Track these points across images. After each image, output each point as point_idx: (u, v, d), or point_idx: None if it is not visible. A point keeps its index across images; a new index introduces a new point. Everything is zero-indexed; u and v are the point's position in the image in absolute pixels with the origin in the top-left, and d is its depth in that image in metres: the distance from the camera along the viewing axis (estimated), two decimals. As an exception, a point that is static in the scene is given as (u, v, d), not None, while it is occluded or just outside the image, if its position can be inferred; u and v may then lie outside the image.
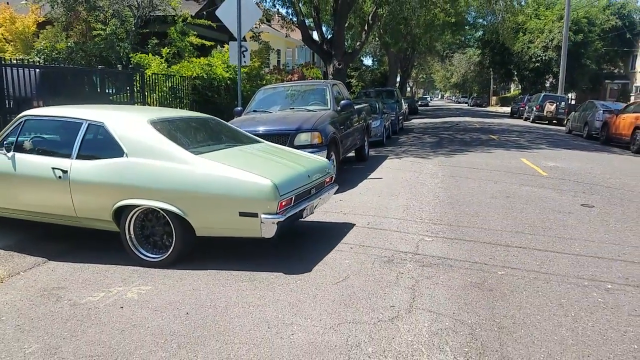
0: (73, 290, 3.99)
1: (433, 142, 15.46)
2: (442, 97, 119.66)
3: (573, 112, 21.81)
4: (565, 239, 5.11)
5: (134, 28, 15.13)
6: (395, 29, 24.51)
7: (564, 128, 22.23)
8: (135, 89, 11.48)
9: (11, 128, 5.01)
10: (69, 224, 4.90)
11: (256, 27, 21.41)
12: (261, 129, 7.30)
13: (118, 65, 12.84)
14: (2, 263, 4.61)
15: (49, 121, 5.15)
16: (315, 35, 21.35)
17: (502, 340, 3.03)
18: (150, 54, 13.49)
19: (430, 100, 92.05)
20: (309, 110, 8.32)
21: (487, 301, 3.59)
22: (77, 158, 4.63)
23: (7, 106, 7.82)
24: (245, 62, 10.66)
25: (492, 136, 17.62)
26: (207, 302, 3.69)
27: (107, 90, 10.61)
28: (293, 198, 4.42)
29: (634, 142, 14.15)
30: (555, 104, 26.72)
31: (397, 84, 45.44)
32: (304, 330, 3.19)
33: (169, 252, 4.46)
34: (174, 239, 4.41)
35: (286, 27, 23.41)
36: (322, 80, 11.48)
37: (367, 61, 46.22)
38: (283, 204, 4.22)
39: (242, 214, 4.17)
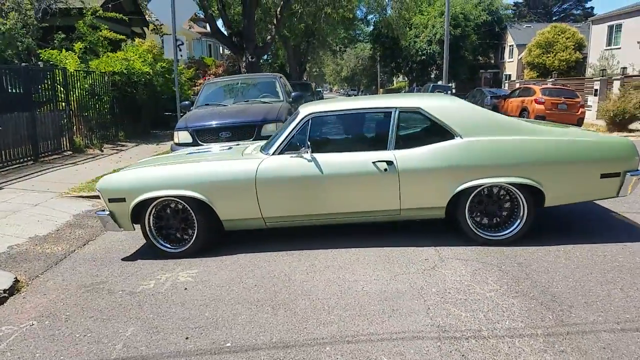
0: (119, 283, 4.02)
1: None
2: (331, 90, 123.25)
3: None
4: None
5: (35, 22, 14.00)
6: (295, 23, 25.21)
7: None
8: (56, 87, 10.83)
9: (297, 130, 4.46)
10: (381, 220, 4.59)
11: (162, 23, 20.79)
12: (228, 121, 7.51)
13: (31, 63, 11.89)
14: (16, 267, 4.43)
15: (342, 115, 4.66)
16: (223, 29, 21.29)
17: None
18: (63, 50, 12.65)
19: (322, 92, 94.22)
20: (265, 102, 8.64)
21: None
22: (395, 148, 4.34)
23: None
24: (181, 55, 10.58)
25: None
26: (266, 275, 3.99)
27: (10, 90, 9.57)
28: None
29: (521, 122, 16.45)
30: (442, 93, 29.50)
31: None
32: (369, 283, 3.71)
33: (517, 229, 4.33)
34: (525, 214, 4.30)
35: (190, 19, 23.05)
36: (270, 74, 11.77)
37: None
38: None
39: (604, 176, 4.20)
